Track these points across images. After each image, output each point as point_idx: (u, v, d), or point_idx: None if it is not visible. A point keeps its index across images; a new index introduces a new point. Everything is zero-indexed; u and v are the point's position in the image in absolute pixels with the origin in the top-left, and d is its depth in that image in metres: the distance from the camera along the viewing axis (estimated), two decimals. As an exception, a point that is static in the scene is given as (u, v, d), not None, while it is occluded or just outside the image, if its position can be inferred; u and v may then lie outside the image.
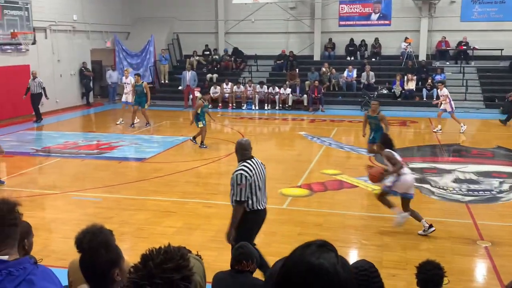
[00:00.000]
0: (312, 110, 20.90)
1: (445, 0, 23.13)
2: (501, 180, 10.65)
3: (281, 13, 24.68)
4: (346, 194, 9.78)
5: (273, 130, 18.54)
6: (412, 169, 11.56)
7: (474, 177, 10.86)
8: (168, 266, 1.73)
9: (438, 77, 21.36)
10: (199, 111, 13.71)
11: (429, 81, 21.08)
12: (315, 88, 21.12)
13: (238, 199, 5.45)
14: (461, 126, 15.94)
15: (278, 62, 24.03)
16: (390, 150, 7.85)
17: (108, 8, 23.88)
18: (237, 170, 5.51)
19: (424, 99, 20.87)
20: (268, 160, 12.55)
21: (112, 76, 23.17)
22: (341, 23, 24.32)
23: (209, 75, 23.77)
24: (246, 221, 5.60)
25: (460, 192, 9.85)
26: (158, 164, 12.21)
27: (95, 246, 2.45)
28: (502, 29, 22.53)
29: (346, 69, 22.48)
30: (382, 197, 7.96)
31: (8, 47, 17.99)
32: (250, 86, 21.97)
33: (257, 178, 5.54)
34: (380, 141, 8.34)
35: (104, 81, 24.57)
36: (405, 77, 21.34)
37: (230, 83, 22.16)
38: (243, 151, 5.64)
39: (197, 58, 24.78)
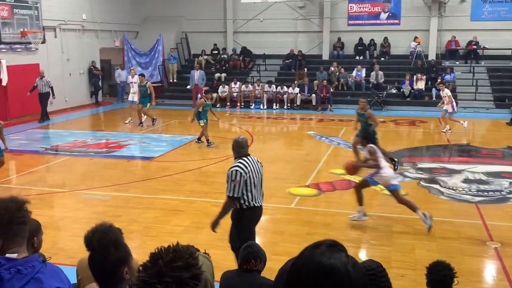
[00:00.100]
0: (320, 109, 20.86)
1: (455, -1, 23.04)
2: (511, 180, 10.57)
3: (289, 12, 24.64)
4: (355, 194, 9.73)
5: (282, 130, 18.52)
6: (421, 169, 11.55)
7: (483, 177, 10.79)
8: (178, 264, 1.73)
9: (447, 77, 21.25)
10: (200, 110, 13.77)
11: (439, 80, 20.95)
12: (323, 88, 21.08)
13: (231, 194, 5.53)
14: (462, 124, 15.86)
15: (286, 61, 24.01)
16: (373, 145, 8.09)
17: (117, 7, 23.96)
18: (232, 167, 5.58)
19: (434, 99, 20.75)
20: (277, 159, 12.63)
21: (121, 75, 23.26)
22: (350, 22, 24.25)
23: (217, 74, 23.80)
24: (243, 218, 5.66)
25: (470, 192, 9.78)
26: (166, 163, 12.24)
27: (105, 244, 2.45)
28: (512, 28, 22.39)
29: (355, 69, 22.41)
30: (358, 188, 8.18)
31: (18, 46, 18.11)
32: (258, 86, 21.96)
33: (253, 175, 5.59)
34: (361, 136, 8.64)
35: (113, 80, 24.68)
36: (415, 77, 21.25)
37: (238, 83, 22.17)
38: (239, 149, 5.72)
39: (205, 57, 24.81)
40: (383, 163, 8.03)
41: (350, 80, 22.33)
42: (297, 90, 21.51)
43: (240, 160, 5.61)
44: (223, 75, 23.72)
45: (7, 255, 2.39)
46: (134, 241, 7.22)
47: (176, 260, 1.74)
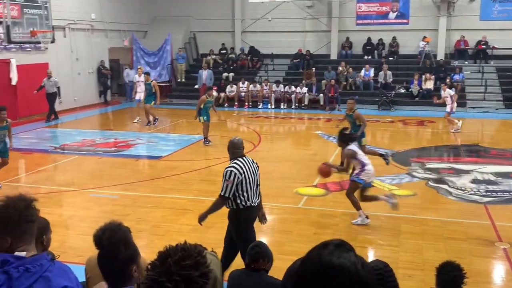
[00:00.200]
0: (328, 109, 20.83)
1: (464, -1, 22.91)
2: (521, 181, 10.50)
3: (298, 11, 24.61)
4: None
5: (289, 129, 18.51)
6: (429, 169, 11.50)
7: (492, 178, 10.72)
8: (187, 263, 1.74)
9: (456, 77, 21.15)
10: (202, 106, 13.78)
11: (448, 80, 20.83)
12: (331, 87, 21.04)
13: (222, 193, 5.59)
14: (457, 123, 15.81)
15: (294, 61, 23.99)
16: (351, 148, 8.12)
17: (126, 7, 24.04)
18: (228, 167, 5.65)
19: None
20: (284, 159, 12.62)
21: (129, 74, 23.32)
22: (359, 21, 24.13)
23: (225, 74, 23.81)
24: (240, 219, 5.73)
25: (478, 193, 9.73)
26: (174, 162, 12.27)
27: (115, 242, 2.45)
28: (522, 28, 22.22)
29: (363, 68, 22.35)
30: (350, 194, 8.14)
31: (27, 45, 18.22)
32: (266, 85, 21.96)
33: (248, 175, 5.64)
34: (339, 138, 8.54)
35: (121, 80, 24.76)
36: (423, 77, 21.15)
37: (246, 82, 22.17)
38: (235, 150, 5.79)
39: (213, 57, 24.84)
40: (365, 160, 8.08)
41: (358, 80, 22.27)
42: (305, 89, 21.49)
43: (236, 161, 5.68)
44: (231, 74, 23.73)
45: (16, 253, 2.40)
46: (142, 240, 7.24)
47: (185, 258, 1.75)
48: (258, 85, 22.16)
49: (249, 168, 5.68)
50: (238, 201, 5.63)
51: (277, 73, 23.80)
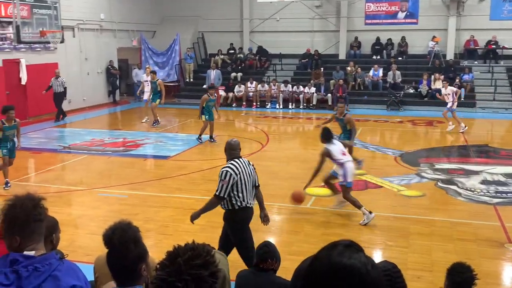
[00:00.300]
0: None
1: (474, -2, 22.77)
2: (531, 182, 10.42)
3: (306, 11, 24.58)
4: (371, 195, 9.69)
5: (297, 129, 18.48)
6: (439, 170, 11.43)
7: (502, 178, 10.65)
8: (196, 262, 1.74)
9: (466, 77, 21.03)
10: (204, 105, 13.80)
11: (457, 80, 20.73)
12: (340, 87, 20.98)
13: (217, 193, 5.65)
14: (449, 125, 15.81)
15: (303, 61, 23.96)
16: (327, 147, 8.31)
17: (134, 7, 24.13)
18: (223, 168, 5.73)
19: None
20: (292, 159, 12.60)
21: (138, 74, 23.37)
22: (367, 21, 24.09)
23: (233, 74, 23.82)
24: (236, 220, 5.77)
25: (488, 194, 9.66)
26: (182, 162, 12.29)
27: (125, 241, 2.45)
28: (532, 28, 22.05)
29: (372, 68, 22.27)
30: (346, 197, 8.27)
31: (37, 45, 18.33)
32: (274, 85, 21.94)
33: (243, 176, 5.71)
34: (321, 135, 8.64)
35: (130, 79, 24.87)
36: (432, 77, 21.04)
37: (254, 82, 22.18)
38: (231, 151, 5.89)
39: (221, 56, 24.87)
40: (344, 158, 8.21)
41: (367, 80, 22.19)
42: (313, 89, 21.45)
43: (232, 162, 5.76)
44: (239, 74, 23.74)
45: (25, 252, 2.41)
46: (151, 240, 7.25)
47: (194, 258, 1.75)
48: (266, 85, 22.15)
49: (245, 169, 5.75)
50: (234, 202, 5.69)
51: (285, 73, 23.78)
